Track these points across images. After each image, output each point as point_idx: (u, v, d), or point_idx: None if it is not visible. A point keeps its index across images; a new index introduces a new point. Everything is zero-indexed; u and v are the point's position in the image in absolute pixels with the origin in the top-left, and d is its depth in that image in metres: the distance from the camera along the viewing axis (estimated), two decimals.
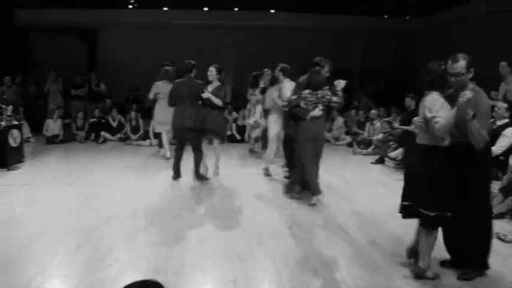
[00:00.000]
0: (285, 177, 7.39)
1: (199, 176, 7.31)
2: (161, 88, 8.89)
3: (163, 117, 8.59)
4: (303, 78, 6.33)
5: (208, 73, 7.28)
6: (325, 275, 3.96)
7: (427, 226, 3.76)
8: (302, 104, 5.96)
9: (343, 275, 3.93)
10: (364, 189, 7.13)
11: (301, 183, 6.41)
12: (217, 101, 7.05)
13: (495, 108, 6.55)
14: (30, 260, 4.16)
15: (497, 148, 6.21)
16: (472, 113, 3.41)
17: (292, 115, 6.21)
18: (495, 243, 4.71)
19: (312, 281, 3.83)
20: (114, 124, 12.12)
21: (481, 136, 3.52)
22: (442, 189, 3.63)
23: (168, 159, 8.85)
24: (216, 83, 7.28)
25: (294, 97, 6.08)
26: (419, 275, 3.83)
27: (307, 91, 5.94)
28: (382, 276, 3.92)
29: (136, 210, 5.78)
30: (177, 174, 7.32)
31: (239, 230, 5.13)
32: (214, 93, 7.11)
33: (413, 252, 4.04)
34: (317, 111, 5.93)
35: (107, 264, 4.08)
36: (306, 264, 4.17)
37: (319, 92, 5.91)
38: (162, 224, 5.27)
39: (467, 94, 3.40)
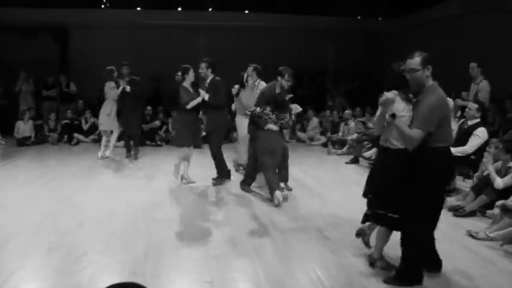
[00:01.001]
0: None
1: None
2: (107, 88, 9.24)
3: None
4: (266, 86, 6.70)
5: (199, 70, 7.31)
6: (301, 274, 3.98)
7: (391, 227, 3.93)
8: (263, 116, 6.31)
9: (318, 274, 3.96)
10: (338, 188, 7.19)
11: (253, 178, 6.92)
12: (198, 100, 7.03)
13: (466, 109, 6.68)
14: (2, 264, 4.07)
15: (469, 148, 6.34)
16: (391, 112, 3.56)
17: (253, 121, 6.50)
18: (467, 240, 4.83)
19: (289, 281, 3.84)
20: (86, 127, 11.97)
21: (406, 137, 3.50)
22: (397, 191, 3.75)
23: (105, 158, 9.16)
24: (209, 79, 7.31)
25: (258, 110, 6.30)
26: (371, 263, 4.10)
27: (269, 108, 6.26)
28: (357, 276, 3.96)
29: (111, 212, 5.71)
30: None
31: (215, 231, 5.12)
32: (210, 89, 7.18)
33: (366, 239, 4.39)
34: (274, 126, 6.27)
35: (81, 267, 4.02)
36: (282, 265, 4.19)
37: (281, 116, 6.30)
38: (138, 226, 5.22)
39: (386, 94, 3.62)
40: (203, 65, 7.24)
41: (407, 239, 3.71)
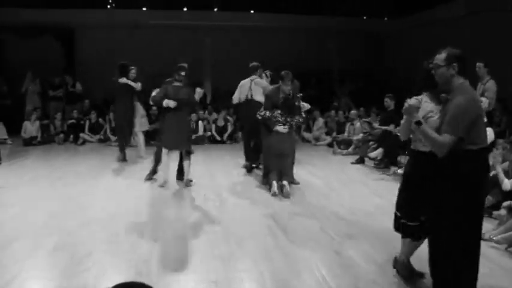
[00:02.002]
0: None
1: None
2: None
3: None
4: (271, 90, 7.04)
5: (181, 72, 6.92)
6: (306, 274, 3.97)
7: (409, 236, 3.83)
8: (272, 119, 6.67)
9: (323, 274, 3.95)
10: (344, 189, 7.17)
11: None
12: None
13: None
14: (7, 264, 4.08)
15: None
16: (415, 120, 3.30)
17: (262, 122, 6.86)
18: None
19: (293, 281, 3.83)
20: (87, 128, 12.05)
21: (434, 143, 3.23)
22: (414, 195, 3.65)
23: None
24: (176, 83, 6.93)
25: (268, 114, 6.68)
26: (394, 266, 3.99)
27: (279, 111, 6.66)
28: (362, 276, 3.95)
29: (116, 212, 5.72)
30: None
31: (220, 230, 5.11)
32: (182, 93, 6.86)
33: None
34: (282, 128, 6.62)
35: (85, 267, 4.02)
36: (287, 264, 4.18)
37: (289, 118, 6.68)
38: (143, 226, 5.23)
39: (408, 101, 3.43)
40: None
41: (432, 251, 3.39)
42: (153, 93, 7.18)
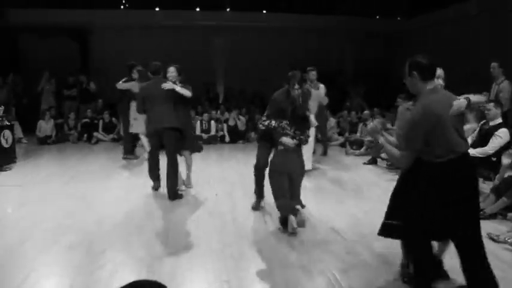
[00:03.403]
0: None
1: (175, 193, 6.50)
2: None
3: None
4: (278, 92, 5.61)
5: (168, 74, 6.58)
6: (318, 275, 3.97)
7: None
8: (279, 130, 5.31)
9: (335, 275, 3.95)
10: (356, 189, 7.14)
11: None
12: (185, 92, 6.32)
13: (485, 112, 6.56)
14: (22, 261, 4.14)
15: (489, 148, 6.25)
16: (377, 140, 3.53)
17: (263, 134, 5.64)
18: (487, 243, 4.75)
19: (305, 281, 3.84)
20: (100, 127, 12.17)
21: (393, 158, 3.39)
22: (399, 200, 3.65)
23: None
24: (178, 85, 6.48)
25: (274, 123, 5.29)
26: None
27: (286, 122, 5.26)
28: (375, 277, 3.94)
29: (130, 211, 5.77)
30: (157, 183, 6.86)
31: (232, 230, 5.13)
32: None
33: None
34: (289, 140, 5.22)
35: (99, 265, 4.07)
36: (299, 264, 4.18)
37: (298, 131, 5.30)
38: (156, 225, 5.27)
39: (372, 123, 3.56)
40: (173, 70, 6.61)
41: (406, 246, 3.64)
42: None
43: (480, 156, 6.22)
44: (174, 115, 6.42)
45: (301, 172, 5.53)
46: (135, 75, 8.70)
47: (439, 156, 3.13)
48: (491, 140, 6.26)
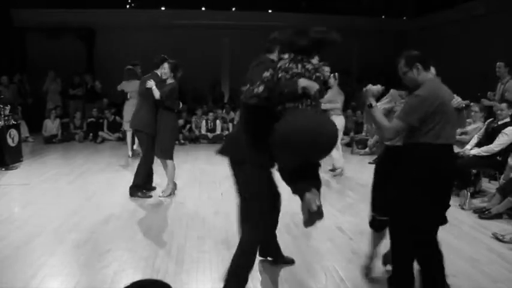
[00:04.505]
0: None
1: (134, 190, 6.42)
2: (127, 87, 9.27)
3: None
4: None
5: (162, 70, 6.31)
6: (323, 274, 3.98)
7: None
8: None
9: (340, 275, 3.95)
10: (361, 188, 7.13)
11: None
12: (155, 93, 6.04)
13: (498, 112, 6.55)
14: (28, 259, 4.16)
15: (495, 146, 6.22)
16: (368, 102, 3.40)
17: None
18: (493, 243, 4.74)
19: (309, 280, 3.84)
20: (105, 126, 12.23)
21: (381, 127, 3.29)
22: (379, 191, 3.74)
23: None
24: (170, 81, 6.20)
25: (269, 72, 3.05)
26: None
27: (286, 56, 3.11)
28: (380, 277, 3.93)
29: (135, 210, 5.80)
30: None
31: (237, 229, 5.13)
32: (160, 88, 6.12)
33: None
34: (311, 83, 2.91)
35: (105, 264, 4.08)
36: (304, 264, 4.18)
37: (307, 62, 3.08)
38: (161, 224, 5.28)
39: (369, 86, 3.53)
40: (167, 66, 6.25)
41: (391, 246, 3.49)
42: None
43: (485, 154, 6.21)
44: (140, 115, 6.35)
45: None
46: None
47: (434, 138, 3.14)
48: (497, 138, 6.24)
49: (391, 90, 3.76)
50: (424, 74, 3.29)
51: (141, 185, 6.41)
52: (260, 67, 3.30)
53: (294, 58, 3.03)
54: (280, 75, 2.96)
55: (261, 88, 2.95)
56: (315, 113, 2.93)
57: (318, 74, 3.05)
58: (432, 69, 3.43)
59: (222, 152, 3.47)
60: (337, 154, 7.80)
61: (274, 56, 3.52)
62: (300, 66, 3.00)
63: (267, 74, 3.01)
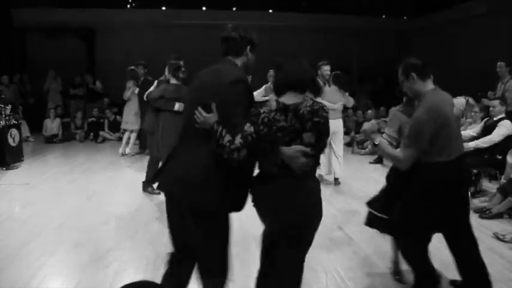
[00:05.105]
0: None
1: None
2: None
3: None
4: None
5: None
6: (324, 274, 3.97)
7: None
8: None
9: (341, 275, 3.95)
10: (362, 188, 7.13)
11: None
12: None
13: (490, 109, 6.57)
14: (29, 259, 4.17)
15: (494, 136, 6.21)
16: (373, 142, 3.35)
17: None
18: (493, 242, 4.74)
19: (311, 281, 3.84)
20: (106, 126, 12.27)
21: (394, 160, 3.24)
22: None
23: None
24: (173, 82, 6.11)
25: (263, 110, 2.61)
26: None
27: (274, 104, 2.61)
28: (381, 277, 3.94)
29: (136, 209, 5.79)
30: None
31: (238, 229, 5.12)
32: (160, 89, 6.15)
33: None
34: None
35: (106, 263, 4.09)
36: (305, 264, 4.17)
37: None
38: (162, 223, 5.27)
39: (364, 126, 3.52)
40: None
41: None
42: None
43: (485, 146, 6.19)
44: (151, 118, 6.55)
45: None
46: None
47: (439, 156, 3.10)
48: (496, 129, 6.23)
49: (392, 110, 3.72)
50: (420, 83, 3.20)
51: (152, 181, 6.46)
52: (239, 106, 2.63)
53: (281, 108, 2.50)
54: (263, 130, 2.49)
55: (242, 153, 2.50)
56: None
57: (316, 119, 2.47)
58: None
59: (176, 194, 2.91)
60: (336, 162, 7.64)
61: (239, 61, 3.00)
62: (290, 115, 2.47)
63: (248, 128, 2.51)
